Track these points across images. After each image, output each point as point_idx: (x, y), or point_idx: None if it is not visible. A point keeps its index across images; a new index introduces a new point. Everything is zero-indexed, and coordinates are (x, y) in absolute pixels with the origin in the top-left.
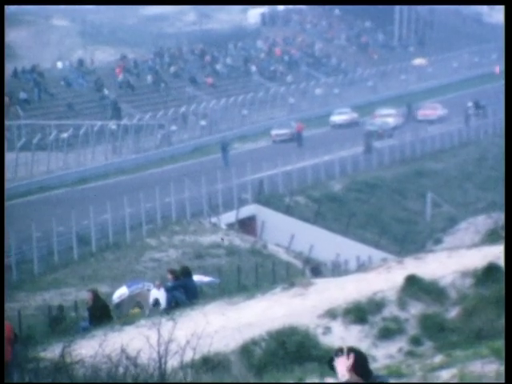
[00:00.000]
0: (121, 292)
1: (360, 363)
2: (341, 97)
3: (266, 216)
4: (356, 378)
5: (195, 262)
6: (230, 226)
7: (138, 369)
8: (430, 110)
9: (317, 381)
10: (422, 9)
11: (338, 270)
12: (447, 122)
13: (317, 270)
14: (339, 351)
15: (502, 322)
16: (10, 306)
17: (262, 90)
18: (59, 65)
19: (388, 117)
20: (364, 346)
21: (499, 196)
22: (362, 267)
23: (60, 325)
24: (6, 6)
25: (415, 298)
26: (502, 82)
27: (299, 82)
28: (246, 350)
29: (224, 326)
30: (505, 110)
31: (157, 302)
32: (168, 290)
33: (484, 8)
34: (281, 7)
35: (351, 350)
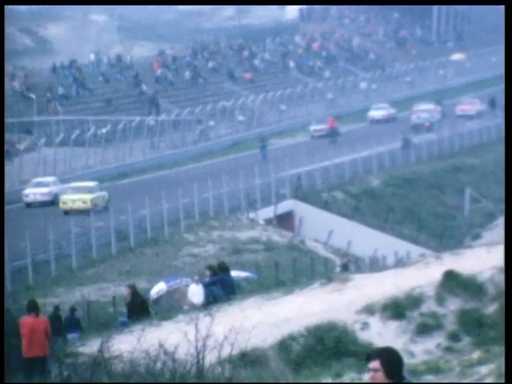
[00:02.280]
0: (159, 287)
1: (388, 368)
2: (379, 92)
3: (304, 211)
4: (385, 381)
5: (233, 258)
6: (268, 221)
7: (176, 364)
8: (468, 105)
9: (354, 376)
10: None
11: (375, 265)
12: (485, 117)
13: (346, 266)
14: (370, 354)
15: None
16: (48, 301)
17: (299, 86)
18: (95, 59)
19: (426, 112)
20: (402, 342)
21: None
22: (400, 263)
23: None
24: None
25: (453, 294)
26: None
27: (337, 78)
28: (283, 345)
29: (262, 321)
30: (505, 110)
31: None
32: (206, 286)
33: None
34: None
35: (380, 353)
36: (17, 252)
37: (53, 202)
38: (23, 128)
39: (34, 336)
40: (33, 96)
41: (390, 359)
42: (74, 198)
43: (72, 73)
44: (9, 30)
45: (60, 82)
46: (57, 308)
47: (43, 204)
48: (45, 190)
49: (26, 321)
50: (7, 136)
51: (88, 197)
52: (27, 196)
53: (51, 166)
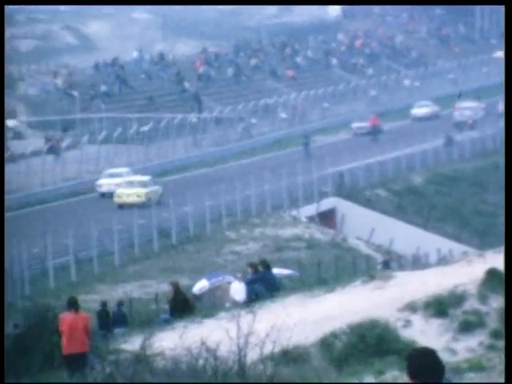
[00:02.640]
0: (201, 284)
1: (410, 369)
2: (421, 89)
3: (347, 209)
4: (410, 382)
5: (275, 255)
6: (311, 218)
7: (218, 361)
8: None
9: (396, 374)
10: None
11: (418, 263)
12: None
13: (387, 263)
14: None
15: None
16: (92, 298)
17: (342, 83)
18: (137, 57)
19: (469, 110)
20: (444, 340)
21: None
22: (443, 260)
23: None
24: None
25: (496, 292)
26: None
27: (380, 75)
28: (326, 342)
29: (304, 318)
30: (505, 113)
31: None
32: (248, 283)
33: None
34: None
35: (408, 354)
36: (60, 249)
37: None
38: (64, 125)
39: (74, 333)
40: (75, 94)
41: (413, 360)
42: (129, 192)
43: (114, 70)
44: (51, 27)
45: (103, 79)
46: (104, 304)
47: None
48: (118, 180)
49: (66, 317)
50: (50, 133)
51: (142, 191)
52: (101, 186)
53: (94, 164)
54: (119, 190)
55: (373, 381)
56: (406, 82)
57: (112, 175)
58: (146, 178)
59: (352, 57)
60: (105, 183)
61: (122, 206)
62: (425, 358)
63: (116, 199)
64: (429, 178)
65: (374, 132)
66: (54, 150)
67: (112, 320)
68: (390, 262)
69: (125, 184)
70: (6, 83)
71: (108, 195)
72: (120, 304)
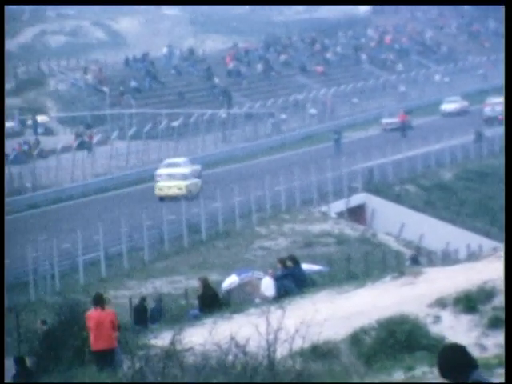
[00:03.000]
0: (231, 280)
1: (440, 367)
2: (451, 85)
3: (376, 205)
4: (439, 381)
5: (305, 251)
6: (340, 214)
7: (247, 357)
8: None
9: (426, 370)
10: None
11: (447, 258)
12: None
13: (415, 258)
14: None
15: None
16: (121, 294)
17: (372, 79)
18: (167, 53)
19: (499, 105)
20: (474, 336)
21: None
22: (473, 256)
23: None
24: None
25: None
26: None
27: (409, 71)
28: (355, 338)
29: (333, 314)
30: (505, 110)
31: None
32: (277, 279)
33: None
34: None
35: (441, 352)
36: (90, 245)
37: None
38: (86, 123)
39: (101, 329)
40: (105, 89)
41: (442, 359)
42: (170, 184)
43: (144, 66)
44: (81, 23)
45: (133, 75)
46: (143, 299)
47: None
48: (177, 170)
49: (92, 315)
50: (80, 129)
51: (183, 183)
52: (160, 176)
53: (124, 159)
54: (160, 183)
55: (402, 377)
56: (437, 78)
57: (170, 165)
58: (196, 166)
59: (382, 52)
60: (163, 173)
61: (162, 199)
62: (456, 354)
63: (157, 192)
64: (458, 173)
65: (404, 128)
66: (84, 145)
67: (150, 315)
68: (418, 258)
69: (166, 177)
70: (36, 79)
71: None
72: (159, 300)
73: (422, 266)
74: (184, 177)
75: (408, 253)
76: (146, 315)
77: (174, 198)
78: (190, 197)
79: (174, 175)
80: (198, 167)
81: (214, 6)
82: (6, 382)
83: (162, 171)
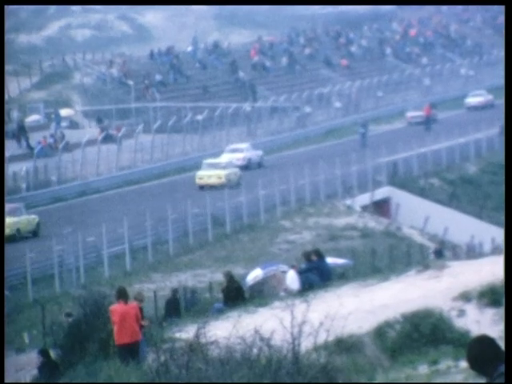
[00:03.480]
0: (255, 274)
1: (469, 362)
2: (476, 79)
3: (401, 198)
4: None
5: (329, 244)
6: (365, 208)
7: (272, 350)
8: None
9: (451, 363)
10: None
11: (472, 252)
12: None
13: (439, 252)
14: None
15: None
16: (146, 287)
17: (396, 72)
18: (192, 46)
19: None
20: (498, 329)
21: None
22: (497, 250)
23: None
24: None
25: None
26: None
27: (434, 64)
28: (379, 332)
29: (358, 307)
30: (505, 110)
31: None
32: (301, 273)
33: None
34: None
35: (470, 343)
36: (115, 238)
37: (247, 166)
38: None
39: (125, 323)
40: (130, 83)
41: (471, 350)
42: (210, 173)
43: (169, 60)
44: (107, 17)
45: (157, 68)
46: (175, 291)
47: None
48: (240, 155)
49: (116, 308)
50: (106, 122)
51: (222, 173)
52: (238, 160)
53: (148, 153)
54: (200, 172)
55: (426, 370)
56: (463, 71)
57: (233, 150)
58: (258, 152)
59: (406, 46)
60: (205, 162)
61: (202, 187)
62: (485, 346)
63: (197, 181)
64: (483, 167)
65: (428, 121)
66: (110, 138)
67: (184, 307)
68: (442, 251)
69: (206, 166)
70: (61, 73)
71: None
72: (194, 292)
73: (446, 259)
74: (223, 166)
75: (433, 246)
76: (178, 307)
77: (213, 187)
78: (229, 186)
79: (214, 165)
80: (259, 152)
81: (214, 5)
82: (8, 379)
83: (225, 156)
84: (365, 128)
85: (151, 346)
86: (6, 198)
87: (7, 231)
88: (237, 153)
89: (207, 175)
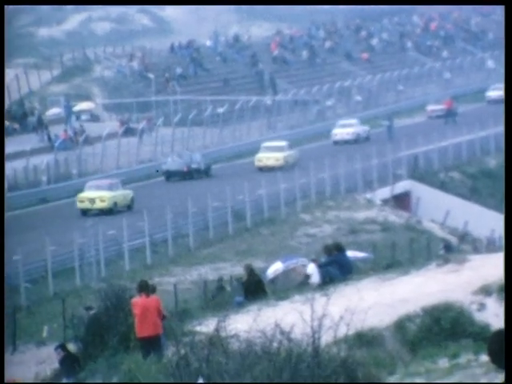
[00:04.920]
0: (275, 267)
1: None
2: (497, 72)
3: (421, 192)
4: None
5: (349, 238)
6: (385, 201)
7: (292, 343)
8: None
9: (471, 357)
10: None
11: (492, 246)
12: None
13: (449, 247)
14: None
15: None
16: (166, 280)
17: (417, 66)
18: (213, 39)
19: None
20: None
21: None
22: None
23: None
24: None
25: None
26: None
27: (455, 58)
28: (400, 325)
29: (378, 301)
30: (505, 111)
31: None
32: (321, 266)
33: None
34: None
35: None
36: (135, 231)
37: (356, 140)
38: (141, 108)
39: (146, 316)
40: (151, 76)
41: (492, 344)
42: (268, 155)
43: (190, 53)
44: (127, 10)
45: (178, 61)
46: (221, 279)
47: (347, 142)
48: (350, 130)
49: (138, 301)
50: (127, 115)
51: (280, 155)
52: (336, 135)
53: (169, 146)
54: (260, 155)
55: (446, 364)
56: (490, 64)
57: (344, 126)
58: (283, 143)
59: (427, 39)
60: (338, 132)
61: (261, 169)
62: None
63: (257, 163)
64: (503, 160)
65: (450, 115)
66: (130, 131)
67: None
68: (451, 246)
69: (264, 149)
70: (81, 66)
71: (340, 143)
72: (239, 278)
73: (453, 253)
74: (281, 149)
75: (454, 239)
76: (224, 295)
77: (272, 169)
78: (287, 168)
79: (272, 147)
80: (366, 128)
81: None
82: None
83: (336, 131)
84: (390, 120)
85: (171, 340)
86: (26, 191)
87: (105, 204)
88: (347, 128)
89: (266, 157)
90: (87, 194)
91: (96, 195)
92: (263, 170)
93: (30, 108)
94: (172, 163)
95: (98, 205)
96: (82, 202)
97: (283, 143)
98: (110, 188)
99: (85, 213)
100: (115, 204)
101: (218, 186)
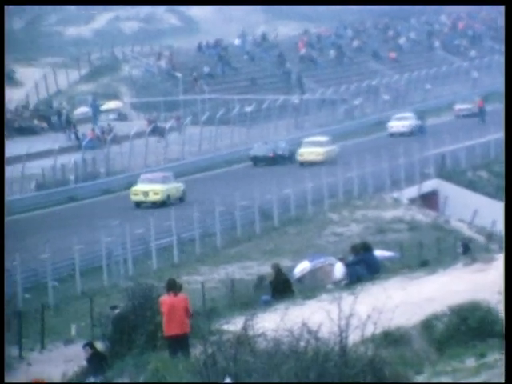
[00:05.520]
0: (303, 266)
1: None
2: None
3: (448, 191)
4: None
5: (377, 237)
6: (412, 200)
7: (319, 342)
8: None
9: (498, 357)
10: None
11: None
12: None
13: (467, 246)
14: None
15: None
16: (194, 279)
17: (445, 65)
18: (240, 38)
19: None
20: None
21: None
22: None
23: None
24: None
25: None
26: None
27: (483, 57)
28: (427, 324)
29: (405, 300)
30: (505, 111)
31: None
32: (349, 265)
33: None
34: None
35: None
36: (163, 230)
37: (411, 132)
38: (169, 107)
39: (174, 314)
40: (179, 75)
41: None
42: (310, 150)
43: (217, 52)
44: (155, 9)
45: (205, 61)
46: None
47: (402, 134)
48: (406, 123)
49: (166, 300)
50: (155, 114)
51: (321, 150)
52: (391, 127)
53: (196, 145)
54: (302, 149)
55: (474, 364)
56: None
57: (399, 119)
58: (324, 138)
59: (455, 38)
60: (394, 125)
61: (303, 164)
62: None
63: (299, 158)
64: None
65: (482, 113)
66: (158, 130)
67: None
68: (469, 245)
69: (306, 144)
70: (109, 65)
71: (396, 135)
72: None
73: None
74: (322, 144)
75: (481, 238)
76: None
77: (313, 164)
78: (328, 163)
79: (313, 142)
80: (420, 122)
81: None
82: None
83: (392, 124)
84: (422, 119)
85: (199, 338)
86: (54, 189)
87: (158, 197)
88: (403, 121)
89: (307, 152)
90: (141, 186)
91: (149, 188)
92: (304, 164)
93: (58, 107)
94: (259, 149)
95: (152, 197)
96: (135, 194)
97: (324, 138)
98: (163, 181)
99: (138, 205)
100: (168, 197)
101: (245, 184)
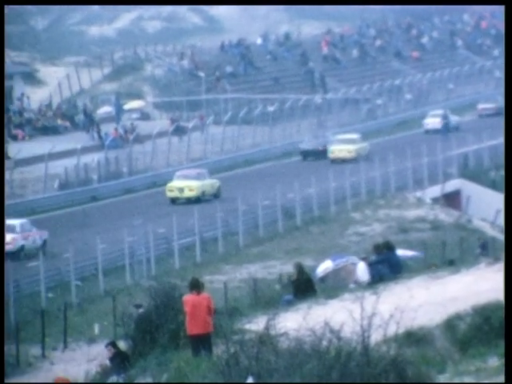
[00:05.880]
0: (325, 266)
1: None
2: None
3: (471, 190)
4: None
5: (400, 236)
6: (435, 200)
7: (341, 342)
8: None
9: None
10: None
11: None
12: None
13: (485, 246)
14: None
15: None
16: (216, 279)
17: (467, 64)
18: (263, 38)
19: None
20: None
21: None
22: None
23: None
24: None
25: None
26: None
27: None
28: (450, 324)
29: (428, 300)
30: (505, 110)
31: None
32: (372, 264)
33: None
34: None
35: None
36: (185, 229)
37: (448, 129)
38: (191, 106)
39: (197, 314)
40: (201, 74)
41: None
42: (341, 148)
43: (240, 51)
44: (178, 9)
45: (228, 60)
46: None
47: (437, 132)
48: (438, 119)
49: (189, 299)
50: (177, 114)
51: (352, 147)
52: (428, 124)
53: (219, 144)
54: (333, 147)
55: (497, 363)
56: None
57: (435, 115)
58: (355, 135)
59: (478, 37)
60: (430, 122)
61: (334, 161)
62: None
63: (330, 155)
64: None
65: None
66: (181, 130)
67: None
68: (487, 245)
69: (337, 141)
70: (132, 64)
71: (431, 132)
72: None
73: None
74: (353, 141)
75: (500, 238)
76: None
77: (344, 161)
78: (358, 159)
79: (344, 140)
80: (456, 118)
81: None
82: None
83: (428, 120)
84: (446, 119)
85: (221, 338)
86: (77, 189)
87: (193, 193)
88: (437, 117)
89: (338, 149)
90: (176, 183)
91: (185, 184)
92: (336, 161)
93: (81, 106)
94: (308, 143)
95: (187, 194)
96: (171, 191)
97: (355, 136)
98: (198, 177)
99: (174, 201)
100: (203, 193)
101: (268, 184)
